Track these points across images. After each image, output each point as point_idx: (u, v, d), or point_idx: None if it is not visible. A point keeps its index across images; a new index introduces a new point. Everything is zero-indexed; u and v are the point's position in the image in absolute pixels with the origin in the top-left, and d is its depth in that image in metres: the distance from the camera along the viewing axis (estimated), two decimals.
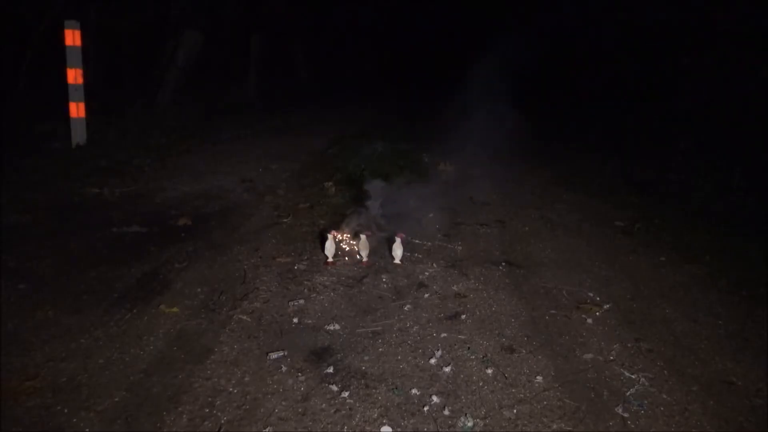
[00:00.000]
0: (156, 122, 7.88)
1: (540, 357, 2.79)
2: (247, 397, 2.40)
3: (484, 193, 5.83)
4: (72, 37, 6.48)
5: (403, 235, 3.97)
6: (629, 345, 2.94)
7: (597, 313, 3.28)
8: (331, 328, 2.99)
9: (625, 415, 2.38)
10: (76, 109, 6.53)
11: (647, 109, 7.49)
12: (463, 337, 2.96)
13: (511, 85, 6.53)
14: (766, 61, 5.98)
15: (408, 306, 3.28)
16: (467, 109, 6.74)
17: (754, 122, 6.00)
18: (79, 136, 6.53)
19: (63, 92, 6.53)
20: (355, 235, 4.10)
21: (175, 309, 3.13)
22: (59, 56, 6.54)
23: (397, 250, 3.90)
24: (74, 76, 6.52)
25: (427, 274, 3.76)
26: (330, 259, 3.88)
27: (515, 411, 2.38)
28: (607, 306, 3.37)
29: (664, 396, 2.52)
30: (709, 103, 6.50)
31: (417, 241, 4.33)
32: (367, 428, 2.24)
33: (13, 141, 6.15)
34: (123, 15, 8.22)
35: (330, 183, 5.65)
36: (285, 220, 4.67)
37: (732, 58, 6.55)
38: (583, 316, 3.26)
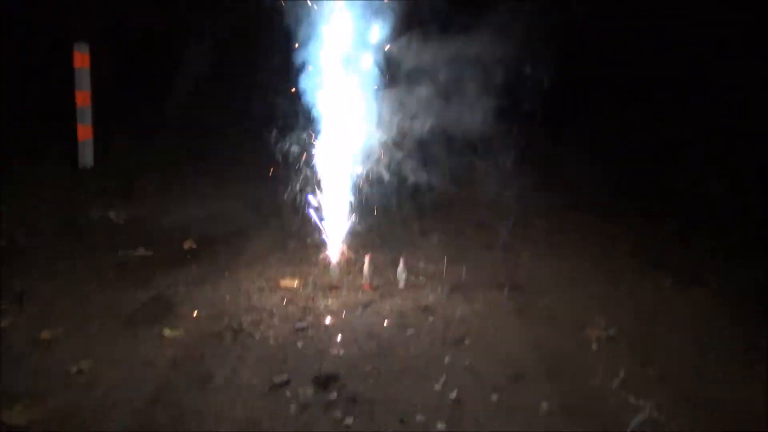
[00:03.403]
0: (164, 143, 7.93)
1: (545, 382, 2.78)
2: (251, 422, 2.39)
3: (489, 216, 5.83)
4: (81, 60, 6.55)
5: (408, 258, 3.97)
6: (635, 370, 2.92)
7: (603, 338, 3.26)
8: (336, 352, 2.99)
9: None
10: (84, 132, 6.58)
11: (648, 121, 7.49)
12: (467, 362, 2.94)
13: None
14: None
15: (412, 330, 3.27)
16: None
17: (757, 135, 6.01)
18: (86, 158, 6.56)
19: (70, 114, 6.59)
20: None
21: (179, 332, 3.13)
22: (67, 78, 6.61)
23: (402, 274, 3.90)
24: (83, 98, 6.57)
25: (431, 298, 3.76)
26: (335, 283, 3.88)
27: None
28: (613, 330, 3.35)
29: (672, 423, 2.49)
30: (713, 115, 6.50)
31: (421, 264, 4.33)
32: None
33: (19, 164, 6.20)
34: (133, 36, 8.31)
35: None
36: (290, 243, 4.68)
37: (738, 66, 6.55)
38: (589, 340, 3.24)
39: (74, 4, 7.11)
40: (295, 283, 3.90)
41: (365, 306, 3.58)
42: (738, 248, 4.81)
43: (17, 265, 3.93)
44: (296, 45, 4.07)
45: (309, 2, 4.00)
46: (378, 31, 4.08)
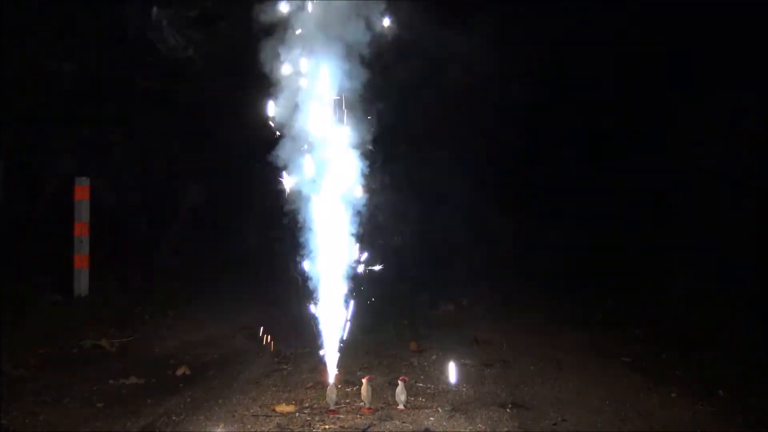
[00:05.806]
0: (159, 271, 7.99)
1: None
2: None
3: (486, 332, 5.79)
4: (81, 193, 6.77)
5: (406, 379, 3.89)
6: None
7: None
8: None
9: None
10: (80, 261, 6.65)
11: (638, 243, 7.65)
12: None
13: None
14: (746, 195, 6.28)
15: None
16: None
17: (739, 251, 6.14)
18: (81, 287, 6.59)
19: (67, 243, 6.69)
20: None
21: None
22: (66, 209, 6.79)
23: (401, 395, 3.79)
24: (81, 229, 6.72)
25: (432, 419, 3.63)
26: (332, 407, 3.77)
27: None
28: None
29: None
30: (696, 238, 6.67)
31: (420, 384, 4.23)
32: None
33: (15, 293, 6.20)
34: (133, 170, 8.62)
35: None
36: (285, 367, 4.60)
37: (715, 192, 6.80)
38: None
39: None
40: (291, 408, 3.78)
41: (364, 430, 3.46)
42: (740, 357, 4.74)
43: (4, 398, 3.82)
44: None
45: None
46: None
